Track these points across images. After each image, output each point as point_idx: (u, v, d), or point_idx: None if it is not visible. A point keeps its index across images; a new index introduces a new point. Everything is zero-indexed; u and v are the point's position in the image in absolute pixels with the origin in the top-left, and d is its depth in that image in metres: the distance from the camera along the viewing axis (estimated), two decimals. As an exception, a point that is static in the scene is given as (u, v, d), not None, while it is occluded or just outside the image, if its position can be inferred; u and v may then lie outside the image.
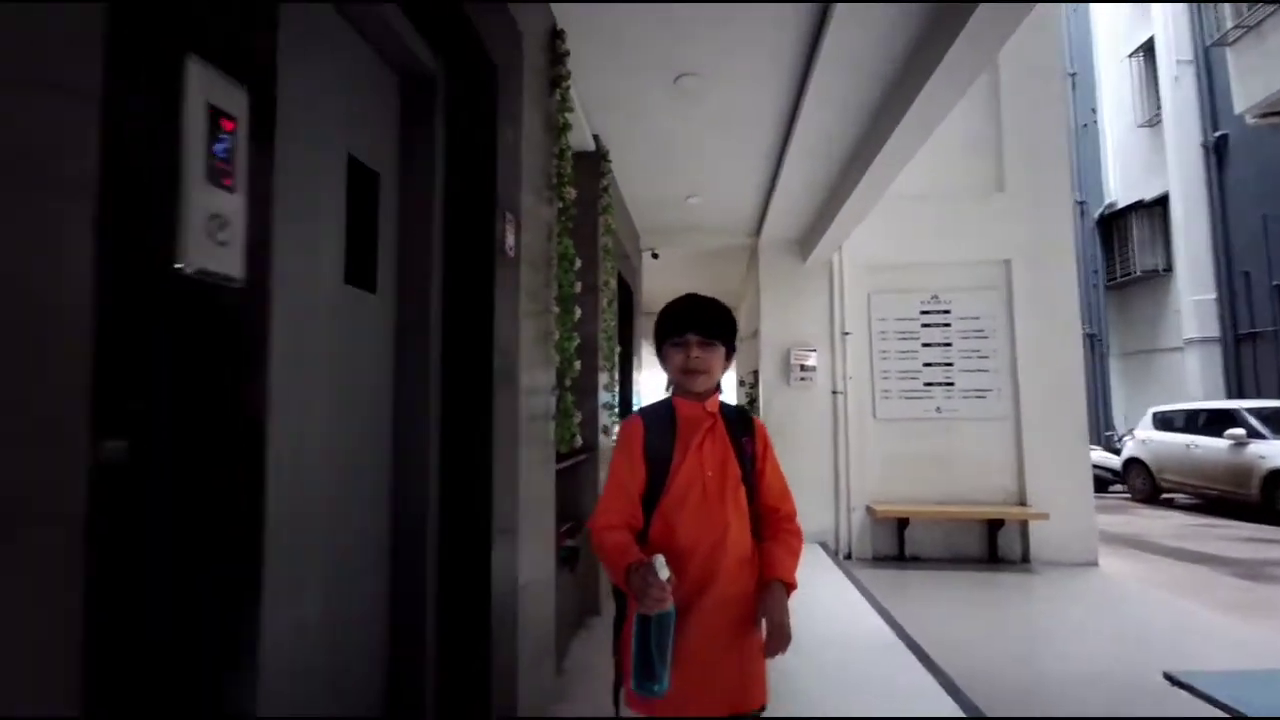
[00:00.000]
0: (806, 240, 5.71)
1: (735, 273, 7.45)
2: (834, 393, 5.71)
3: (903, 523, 5.39)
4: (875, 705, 2.56)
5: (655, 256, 5.97)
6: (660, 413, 1.40)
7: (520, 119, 2.21)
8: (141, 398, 0.72)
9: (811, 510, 5.47)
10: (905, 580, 4.84)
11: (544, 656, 2.46)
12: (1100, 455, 10.38)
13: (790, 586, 1.32)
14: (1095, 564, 5.16)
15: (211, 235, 0.81)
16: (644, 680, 1.17)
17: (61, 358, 0.65)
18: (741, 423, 1.41)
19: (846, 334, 5.70)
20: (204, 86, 0.79)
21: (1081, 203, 15.56)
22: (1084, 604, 4.28)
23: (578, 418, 2.62)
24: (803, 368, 5.71)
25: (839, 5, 2.51)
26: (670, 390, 1.44)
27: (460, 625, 1.85)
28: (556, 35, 2.63)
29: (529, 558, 2.24)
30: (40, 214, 0.64)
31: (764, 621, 1.27)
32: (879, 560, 5.44)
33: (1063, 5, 15.02)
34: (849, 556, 5.52)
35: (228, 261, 0.83)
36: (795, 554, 1.38)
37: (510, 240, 2.06)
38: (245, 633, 0.86)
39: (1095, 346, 14.89)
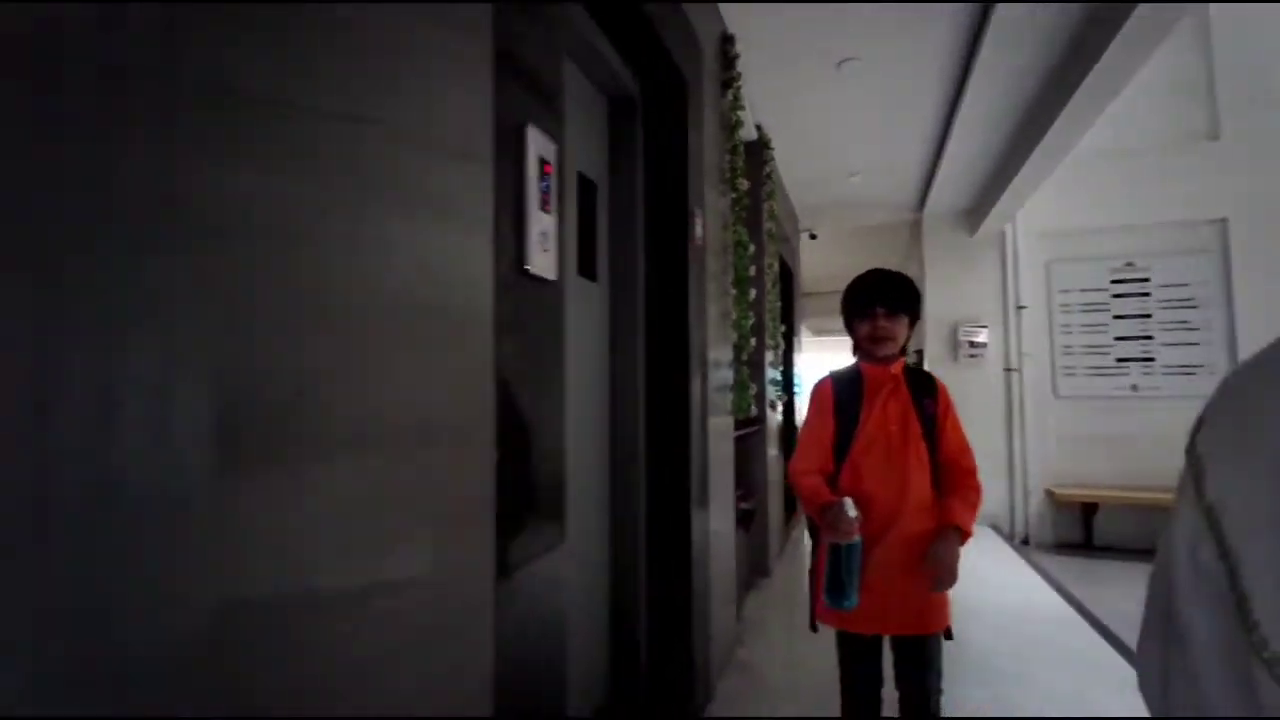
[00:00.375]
0: (975, 211, 5.46)
1: (894, 249, 7.25)
2: (1007, 370, 5.44)
3: (1089, 508, 5.04)
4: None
5: (814, 238, 6.02)
6: (848, 375, 1.62)
7: (702, 123, 2.49)
8: (512, 357, 1.09)
9: (985, 490, 5.28)
10: (1093, 571, 4.53)
11: (728, 602, 2.76)
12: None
13: (965, 534, 1.48)
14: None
15: (541, 246, 1.16)
16: (835, 598, 1.42)
17: (475, 326, 1.02)
18: (924, 385, 1.59)
19: (1022, 308, 5.39)
20: (536, 145, 1.14)
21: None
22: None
23: (753, 390, 2.87)
24: (971, 344, 5.49)
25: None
26: (856, 356, 1.65)
27: (667, 571, 2.19)
28: (727, 40, 2.87)
29: (716, 515, 2.54)
30: (462, 242, 1.00)
31: (935, 559, 1.44)
32: (1062, 548, 5.13)
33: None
34: (1026, 542, 5.27)
35: (548, 265, 1.19)
36: (973, 506, 1.53)
37: (699, 231, 2.35)
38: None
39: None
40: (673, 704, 2.13)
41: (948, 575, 1.44)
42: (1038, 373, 5.35)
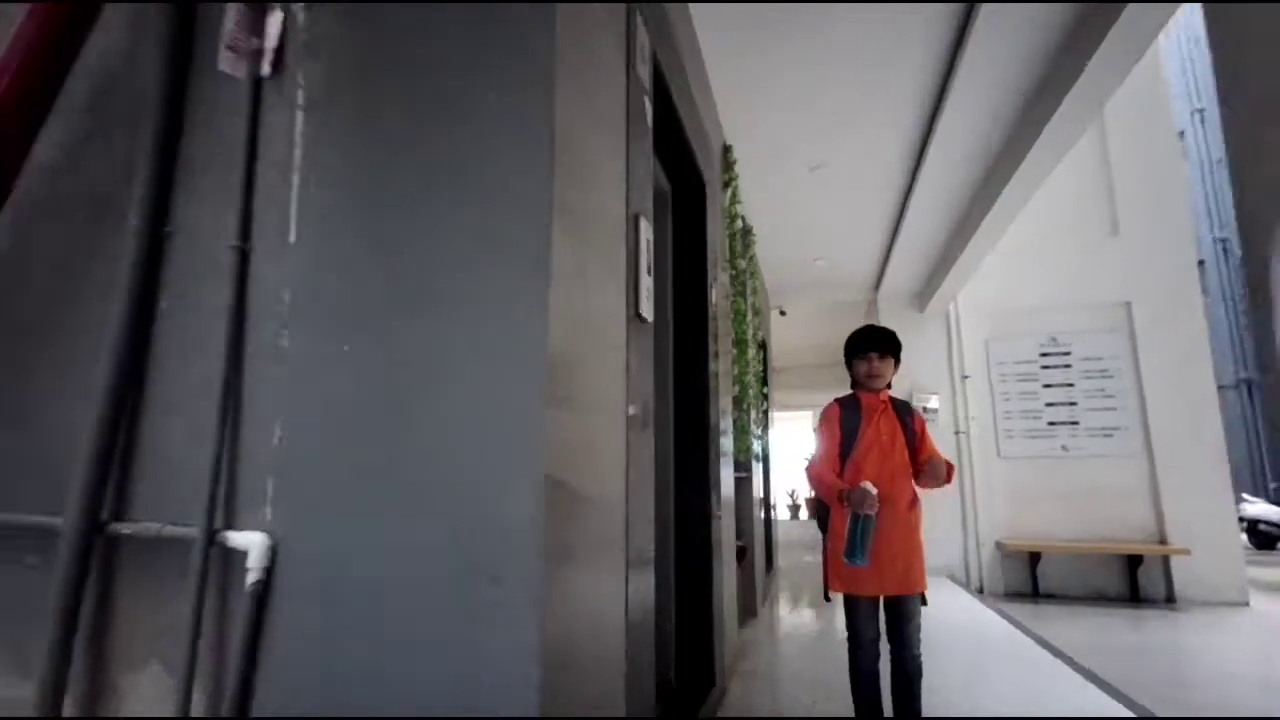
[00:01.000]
0: (923, 292, 6.27)
1: (854, 326, 8.02)
2: (956, 433, 6.10)
3: (1034, 557, 5.59)
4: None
5: (783, 314, 6.72)
6: (850, 400, 2.16)
7: (714, 215, 3.10)
8: (637, 383, 1.57)
9: (940, 544, 5.80)
10: (1041, 614, 5.01)
11: (732, 620, 3.15)
12: (1264, 509, 9.67)
13: (943, 464, 2.03)
14: (1246, 604, 5.12)
15: (646, 298, 1.67)
16: (853, 556, 1.89)
17: (615, 358, 1.50)
18: (905, 409, 2.14)
19: (965, 377, 6.13)
20: (644, 229, 1.67)
21: (1223, 240, 14.72)
22: (1232, 643, 4.21)
23: (754, 434, 3.37)
24: (925, 409, 6.15)
25: (948, 107, 3.26)
26: (854, 389, 2.19)
27: (691, 586, 2.60)
28: (727, 149, 3.55)
29: (724, 534, 2.97)
30: (618, 294, 1.50)
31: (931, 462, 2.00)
32: (1011, 595, 5.64)
33: (1178, 47, 14.80)
34: (980, 590, 5.76)
35: (647, 309, 1.70)
36: (943, 471, 2.05)
37: (713, 298, 2.90)
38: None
39: (1252, 392, 13.82)
40: (700, 690, 2.49)
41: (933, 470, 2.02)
42: (983, 435, 6.03)
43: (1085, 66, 2.68)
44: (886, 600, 2.00)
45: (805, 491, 10.41)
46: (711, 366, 2.82)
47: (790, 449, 10.50)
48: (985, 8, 2.58)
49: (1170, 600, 5.29)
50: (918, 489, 2.09)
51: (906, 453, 2.07)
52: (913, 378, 6.29)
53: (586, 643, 1.19)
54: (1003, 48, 2.88)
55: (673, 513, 2.59)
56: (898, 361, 2.19)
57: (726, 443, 3.16)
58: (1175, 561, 5.29)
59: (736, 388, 3.35)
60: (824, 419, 2.17)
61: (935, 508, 5.86)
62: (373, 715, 1.01)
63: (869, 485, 1.90)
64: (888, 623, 2.00)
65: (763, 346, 5.78)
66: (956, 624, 4.25)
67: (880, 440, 2.06)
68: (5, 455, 1.30)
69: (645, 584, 1.62)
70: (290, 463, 1.13)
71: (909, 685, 1.94)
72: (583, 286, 1.24)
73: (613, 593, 1.36)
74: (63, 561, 1.15)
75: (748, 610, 4.23)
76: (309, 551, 1.09)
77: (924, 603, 2.01)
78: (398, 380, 1.10)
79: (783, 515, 7.94)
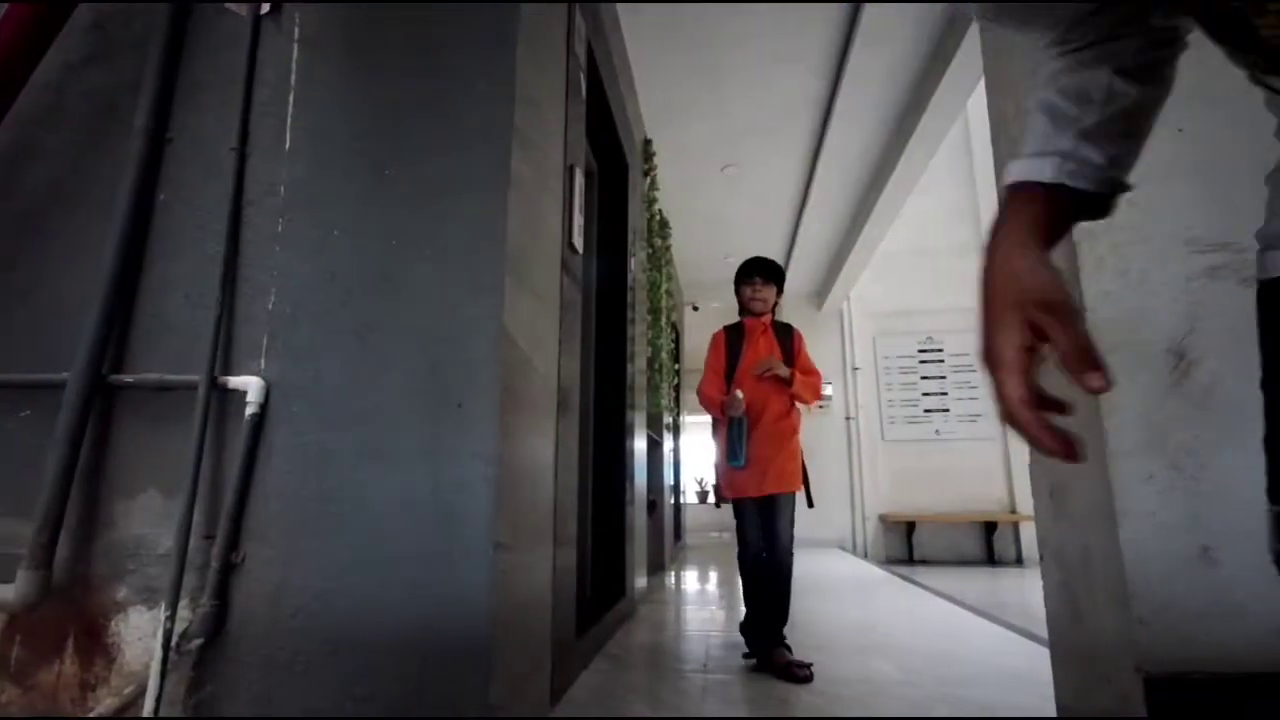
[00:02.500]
0: (820, 291, 6.94)
1: (760, 326, 8.66)
2: (847, 419, 6.77)
3: (911, 528, 6.30)
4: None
5: (695, 309, 7.21)
6: (735, 327, 2.53)
7: (634, 195, 3.47)
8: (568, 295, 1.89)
9: (832, 518, 6.42)
10: (915, 572, 5.69)
11: (642, 564, 3.49)
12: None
13: (790, 381, 2.35)
14: (1079, 562, 5.99)
15: (578, 233, 2.00)
16: (732, 458, 2.28)
17: (554, 263, 1.81)
18: (785, 330, 2.50)
19: (856, 369, 6.82)
20: (578, 178, 2.00)
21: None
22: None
23: (664, 391, 3.75)
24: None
25: (834, 118, 3.81)
26: (741, 316, 2.55)
27: (608, 535, 2.93)
28: (647, 142, 3.95)
29: (637, 495, 3.32)
30: (557, 222, 1.82)
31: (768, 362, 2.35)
32: (891, 561, 6.32)
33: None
34: (865, 557, 6.40)
35: (579, 241, 2.02)
36: (809, 387, 2.39)
37: (633, 267, 3.27)
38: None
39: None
40: (615, 606, 2.81)
41: (765, 364, 2.34)
42: (869, 421, 6.72)
43: (939, 83, 3.27)
44: (763, 498, 2.34)
45: (713, 480, 10.94)
46: (629, 332, 3.18)
47: (699, 448, 11.04)
48: (863, 27, 3.10)
49: (1019, 561, 6.11)
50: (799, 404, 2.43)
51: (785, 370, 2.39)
52: (810, 370, 6.91)
53: (528, 467, 1.49)
54: (877, 66, 3.44)
55: (591, 469, 2.91)
56: (780, 289, 2.54)
57: (640, 399, 3.52)
58: (1024, 528, 6.12)
59: (650, 350, 3.73)
60: (712, 344, 2.54)
61: (826, 487, 6.52)
62: (358, 511, 1.28)
63: (738, 392, 2.30)
64: (763, 518, 2.34)
65: (675, 331, 6.22)
66: (848, 574, 4.79)
67: (760, 358, 2.41)
68: (14, 323, 1.46)
69: (571, 433, 1.94)
70: (284, 322, 1.38)
71: (778, 571, 2.30)
72: (534, 199, 1.56)
73: (545, 441, 1.67)
74: (68, 405, 1.33)
75: (657, 564, 4.59)
76: (301, 390, 1.34)
77: (810, 505, 2.41)
78: (383, 257, 1.38)
79: (692, 500, 8.39)
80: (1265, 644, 1.33)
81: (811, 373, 2.48)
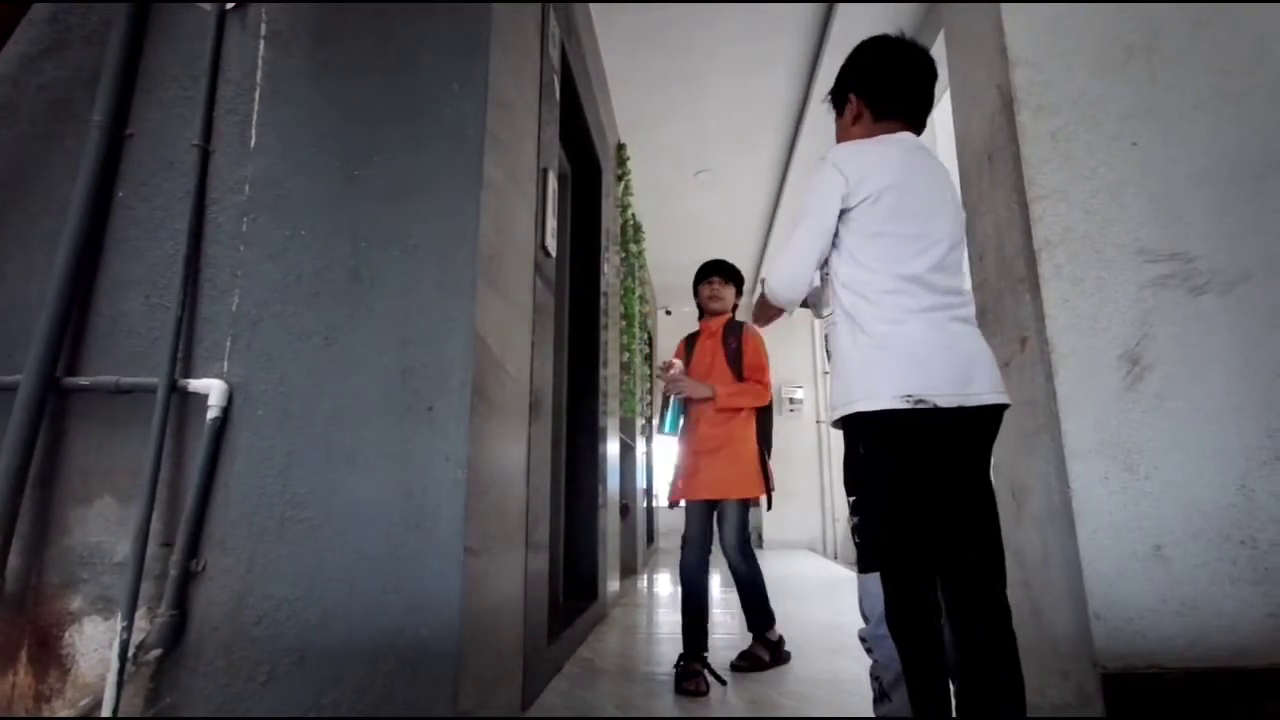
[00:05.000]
0: (792, 298, 7.02)
1: (732, 330, 8.73)
2: (818, 422, 6.85)
3: (879, 530, 6.40)
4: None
5: (668, 314, 7.23)
6: (695, 332, 2.51)
7: (607, 197, 3.48)
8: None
9: (802, 520, 6.48)
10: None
11: (615, 567, 3.48)
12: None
13: (717, 395, 2.29)
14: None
15: (550, 235, 1.99)
16: (666, 427, 2.35)
17: (526, 265, 1.80)
18: (734, 329, 2.42)
19: (826, 373, 6.91)
20: (551, 181, 2.00)
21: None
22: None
23: (638, 395, 3.76)
24: (791, 400, 6.86)
25: (807, 123, 3.87)
26: (699, 317, 2.53)
27: (580, 539, 2.92)
28: (621, 146, 3.96)
29: (610, 499, 3.32)
30: (530, 226, 1.81)
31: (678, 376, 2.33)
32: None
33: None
34: (835, 559, 6.48)
35: (551, 244, 2.02)
36: (745, 392, 2.31)
37: (606, 271, 3.27)
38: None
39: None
40: (587, 609, 2.80)
41: (674, 384, 2.33)
42: (839, 424, 6.81)
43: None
44: (714, 503, 2.29)
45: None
46: (602, 337, 3.18)
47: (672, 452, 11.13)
48: (834, 33, 3.15)
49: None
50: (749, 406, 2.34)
51: (729, 371, 2.34)
52: (782, 372, 6.99)
53: (499, 471, 1.48)
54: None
55: (563, 472, 2.90)
56: (739, 289, 2.53)
57: (613, 403, 3.51)
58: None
59: (626, 355, 3.73)
60: (677, 349, 2.55)
61: (797, 489, 6.59)
62: (325, 516, 1.25)
63: (679, 365, 2.33)
64: (717, 524, 2.31)
65: (648, 336, 6.24)
66: (818, 576, 4.84)
67: (704, 361, 2.39)
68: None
69: (543, 437, 1.93)
70: (248, 323, 1.35)
71: (734, 576, 2.30)
72: (507, 201, 1.56)
73: (517, 444, 1.66)
74: (20, 407, 1.28)
75: (629, 568, 4.59)
76: (266, 393, 1.31)
77: (769, 506, 2.41)
78: (351, 258, 1.36)
79: (664, 504, 8.40)
80: (1214, 640, 1.39)
81: (757, 370, 2.37)
